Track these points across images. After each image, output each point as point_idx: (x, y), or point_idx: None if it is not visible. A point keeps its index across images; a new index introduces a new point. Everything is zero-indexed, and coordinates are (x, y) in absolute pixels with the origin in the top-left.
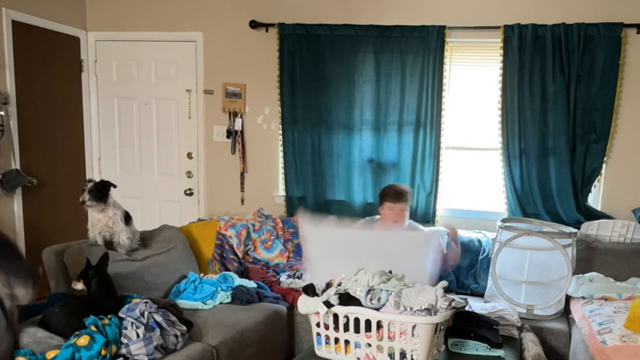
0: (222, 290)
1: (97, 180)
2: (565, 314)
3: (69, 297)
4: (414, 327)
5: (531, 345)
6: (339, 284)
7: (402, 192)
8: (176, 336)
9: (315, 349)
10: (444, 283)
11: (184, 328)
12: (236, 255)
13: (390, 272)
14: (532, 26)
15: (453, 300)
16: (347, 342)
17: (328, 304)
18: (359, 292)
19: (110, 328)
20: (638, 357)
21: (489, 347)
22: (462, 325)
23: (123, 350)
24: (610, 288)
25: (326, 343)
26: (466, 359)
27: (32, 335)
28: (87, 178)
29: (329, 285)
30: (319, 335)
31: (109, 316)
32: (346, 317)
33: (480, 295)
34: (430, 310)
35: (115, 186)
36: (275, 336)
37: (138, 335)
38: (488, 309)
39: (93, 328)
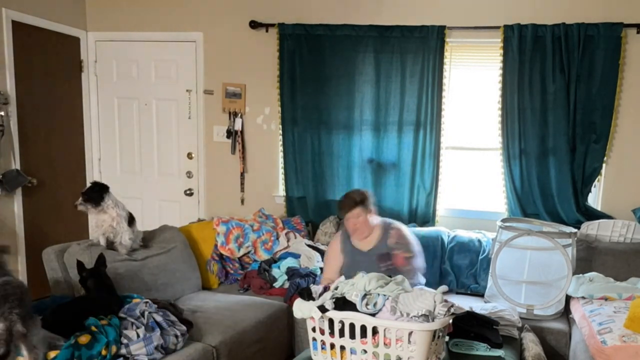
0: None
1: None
2: (565, 314)
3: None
4: (410, 333)
5: (531, 345)
6: (336, 288)
7: (348, 200)
8: (176, 336)
9: (312, 354)
10: (444, 288)
11: (184, 328)
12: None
13: (390, 275)
14: (532, 26)
15: (452, 305)
16: (343, 348)
17: (323, 309)
18: (354, 297)
19: (110, 328)
20: (638, 357)
21: (489, 347)
22: (462, 325)
23: (123, 351)
24: (610, 288)
25: (322, 348)
26: (466, 359)
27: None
28: (91, 181)
29: (326, 289)
30: (315, 340)
31: (109, 316)
32: (341, 322)
33: (480, 295)
34: (427, 317)
35: (107, 188)
36: (275, 336)
37: (138, 336)
38: (488, 309)
39: (93, 328)
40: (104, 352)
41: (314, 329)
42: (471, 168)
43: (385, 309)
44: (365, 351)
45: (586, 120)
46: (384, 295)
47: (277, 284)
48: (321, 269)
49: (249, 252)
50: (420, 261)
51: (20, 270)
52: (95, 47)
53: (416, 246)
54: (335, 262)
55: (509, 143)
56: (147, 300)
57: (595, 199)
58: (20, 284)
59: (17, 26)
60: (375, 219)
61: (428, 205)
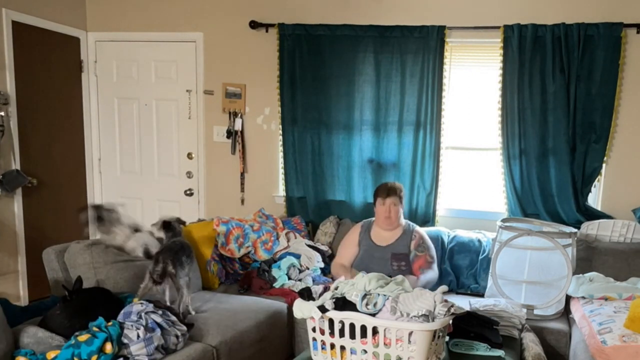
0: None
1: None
2: (565, 314)
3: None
4: (410, 333)
5: (531, 345)
6: (336, 288)
7: (392, 187)
8: (177, 336)
9: (312, 354)
10: (444, 288)
11: (184, 328)
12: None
13: (390, 276)
14: (532, 26)
15: (452, 305)
16: (343, 348)
17: (323, 309)
18: (354, 297)
19: (113, 328)
20: (638, 357)
21: (489, 347)
22: (462, 325)
23: (124, 351)
24: (610, 288)
25: (322, 348)
26: (466, 359)
27: (33, 335)
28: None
29: (326, 289)
30: (315, 340)
31: (110, 321)
32: (341, 322)
33: (481, 295)
34: (427, 317)
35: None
36: (275, 336)
37: (138, 336)
38: (492, 303)
39: (95, 329)
40: (108, 350)
41: (314, 329)
42: (471, 168)
43: (385, 309)
44: (366, 351)
45: (586, 120)
46: (384, 295)
47: (277, 284)
48: (321, 269)
49: (249, 253)
50: (435, 267)
51: (20, 270)
52: (95, 47)
53: (434, 252)
54: (351, 251)
55: (509, 143)
56: (143, 302)
57: (595, 199)
58: (182, 242)
59: (17, 26)
60: (402, 217)
61: (428, 205)
